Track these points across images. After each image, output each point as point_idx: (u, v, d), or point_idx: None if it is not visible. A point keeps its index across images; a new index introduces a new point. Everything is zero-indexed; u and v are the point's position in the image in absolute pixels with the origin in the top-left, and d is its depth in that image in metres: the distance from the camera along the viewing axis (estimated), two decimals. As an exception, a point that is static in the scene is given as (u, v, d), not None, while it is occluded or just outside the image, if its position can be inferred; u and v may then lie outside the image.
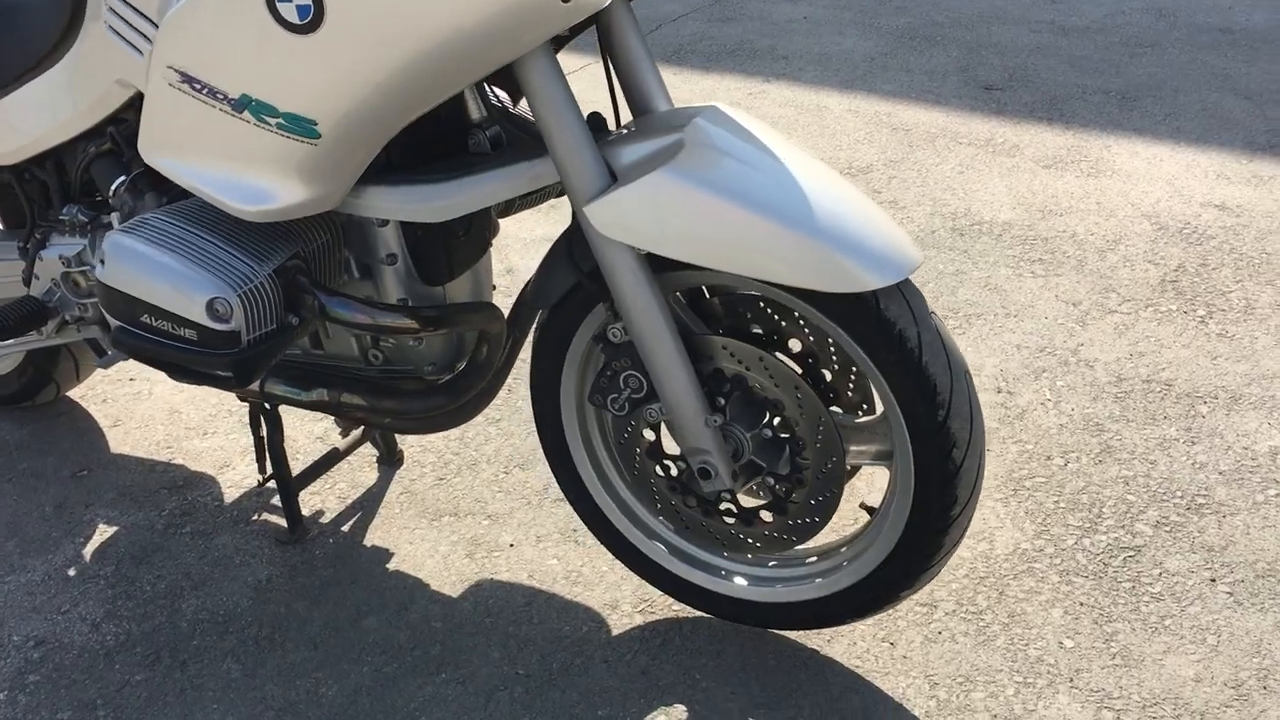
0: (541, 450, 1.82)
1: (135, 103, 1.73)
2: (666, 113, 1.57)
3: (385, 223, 1.69)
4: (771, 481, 1.63)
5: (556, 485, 1.85)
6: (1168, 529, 2.03)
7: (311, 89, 1.42)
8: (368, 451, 2.27)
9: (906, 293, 1.49)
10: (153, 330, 1.61)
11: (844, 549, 1.70)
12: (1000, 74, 4.22)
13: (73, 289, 1.93)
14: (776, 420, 1.59)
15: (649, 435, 1.71)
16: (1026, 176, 3.44)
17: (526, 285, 1.74)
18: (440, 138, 1.62)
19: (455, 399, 1.75)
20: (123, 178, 1.75)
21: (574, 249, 1.59)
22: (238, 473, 2.24)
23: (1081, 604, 1.87)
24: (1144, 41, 4.57)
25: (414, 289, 1.74)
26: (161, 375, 2.51)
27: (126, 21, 1.60)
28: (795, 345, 1.64)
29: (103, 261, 1.62)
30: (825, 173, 1.49)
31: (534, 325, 1.75)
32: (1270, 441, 2.25)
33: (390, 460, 2.24)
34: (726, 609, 1.78)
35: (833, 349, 1.61)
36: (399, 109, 1.44)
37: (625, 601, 1.90)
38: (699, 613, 1.85)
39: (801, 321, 1.60)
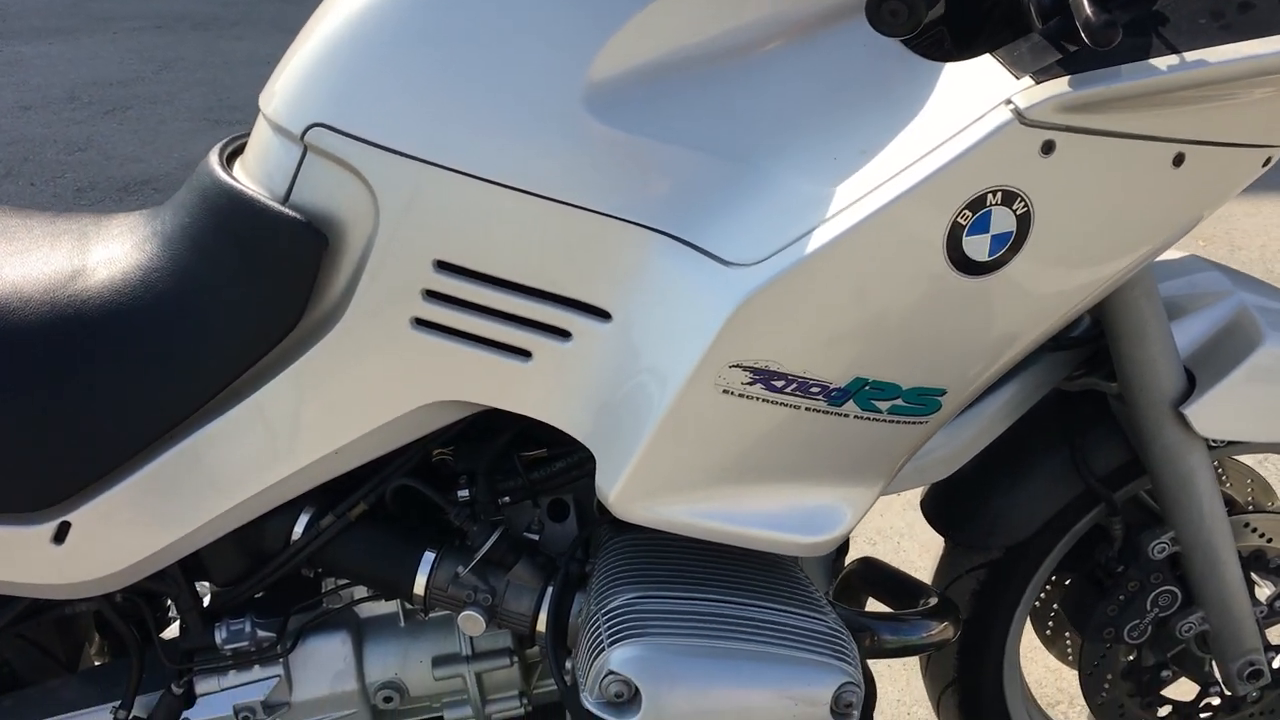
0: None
1: (438, 435, 1.18)
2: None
3: None
4: None
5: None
6: None
7: (955, 349, 1.09)
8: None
9: None
10: None
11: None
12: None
13: None
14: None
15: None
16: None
17: (989, 527, 1.41)
18: None
19: None
20: (489, 538, 1.19)
21: (1085, 458, 1.39)
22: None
23: None
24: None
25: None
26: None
27: (528, 320, 1.07)
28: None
29: (620, 698, 1.07)
30: None
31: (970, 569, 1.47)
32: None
33: None
34: None
35: None
36: (1023, 352, 1.13)
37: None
38: None
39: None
